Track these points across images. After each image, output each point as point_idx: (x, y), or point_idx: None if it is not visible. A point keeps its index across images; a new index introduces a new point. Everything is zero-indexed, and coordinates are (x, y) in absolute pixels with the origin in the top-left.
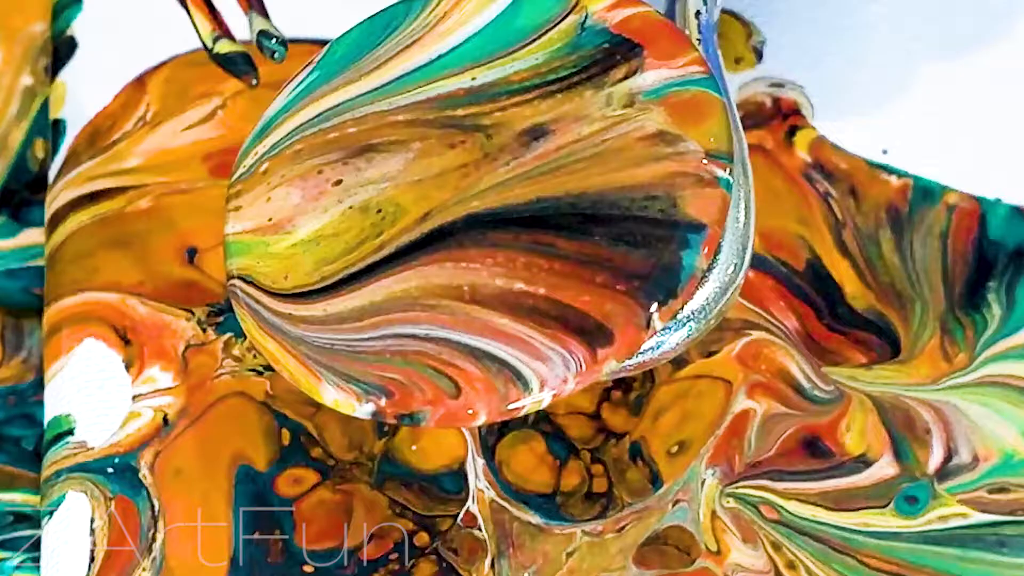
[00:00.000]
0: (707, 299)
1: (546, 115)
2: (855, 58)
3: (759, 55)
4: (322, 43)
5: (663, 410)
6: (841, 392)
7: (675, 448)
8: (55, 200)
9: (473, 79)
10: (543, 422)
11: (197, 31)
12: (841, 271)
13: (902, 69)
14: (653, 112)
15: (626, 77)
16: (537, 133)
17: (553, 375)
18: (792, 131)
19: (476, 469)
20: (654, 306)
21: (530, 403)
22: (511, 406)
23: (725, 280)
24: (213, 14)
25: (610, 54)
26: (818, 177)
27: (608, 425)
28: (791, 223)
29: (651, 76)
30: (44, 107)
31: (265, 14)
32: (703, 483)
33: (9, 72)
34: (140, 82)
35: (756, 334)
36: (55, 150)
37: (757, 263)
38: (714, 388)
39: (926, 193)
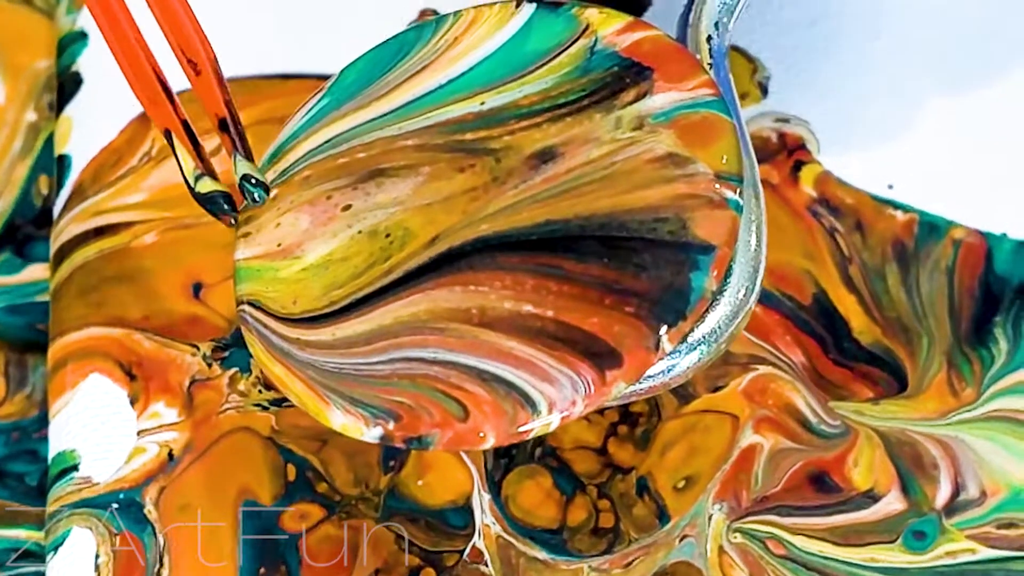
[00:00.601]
0: (718, 322)
1: (555, 138)
2: (860, 93)
3: (764, 90)
4: (322, 78)
5: (670, 445)
6: (848, 427)
7: (682, 483)
8: (60, 235)
9: (482, 103)
10: (549, 457)
11: (180, 168)
12: (847, 306)
13: (907, 104)
14: (663, 134)
15: (636, 100)
16: (546, 156)
17: (562, 397)
18: (798, 166)
19: (482, 504)
20: (663, 328)
21: (539, 426)
22: (520, 429)
23: (736, 303)
24: (197, 152)
25: (619, 77)
26: (824, 212)
27: (615, 460)
28: (797, 258)
29: (661, 99)
30: (48, 143)
31: (250, 157)
32: (710, 518)
33: (13, 108)
34: (145, 118)
35: (763, 369)
36: (60, 185)
37: (763, 298)
38: (721, 423)
39: (932, 228)
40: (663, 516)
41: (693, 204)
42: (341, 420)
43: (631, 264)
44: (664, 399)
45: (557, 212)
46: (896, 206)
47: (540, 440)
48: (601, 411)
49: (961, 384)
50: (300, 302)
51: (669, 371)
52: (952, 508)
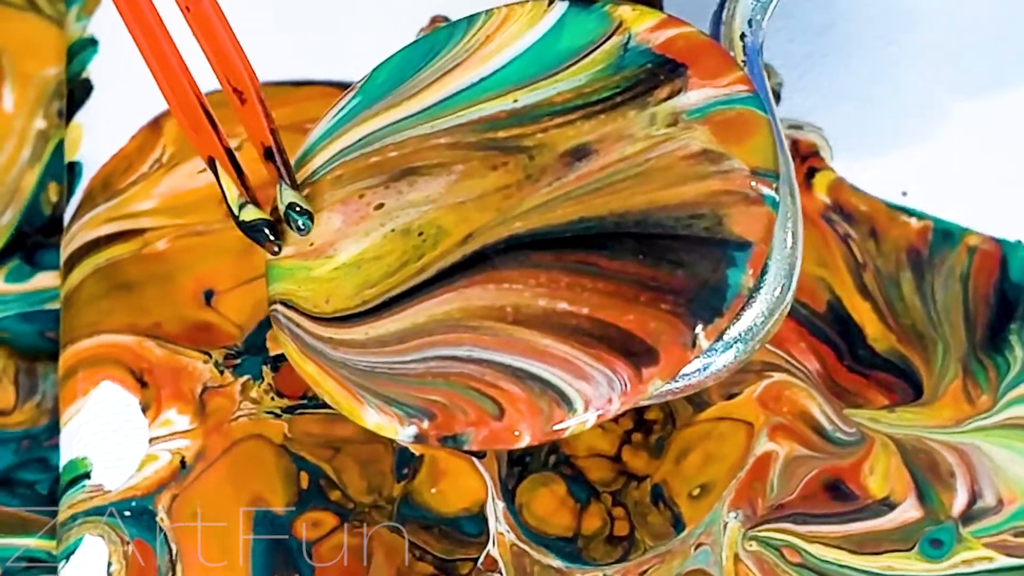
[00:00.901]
0: (754, 321)
1: (589, 135)
2: (873, 100)
3: (777, 97)
4: (334, 84)
5: (685, 452)
6: (863, 434)
7: (697, 491)
8: (71, 242)
9: (515, 101)
10: (564, 465)
11: (224, 196)
12: (862, 313)
13: (920, 111)
14: (697, 131)
15: (670, 96)
16: (580, 153)
17: (598, 395)
18: (811, 173)
19: (496, 512)
20: (700, 325)
21: (575, 423)
22: (555, 427)
23: (772, 301)
24: (241, 180)
25: (653, 74)
26: (838, 219)
27: (629, 468)
28: (811, 265)
29: (695, 95)
30: (57, 150)
31: (296, 186)
32: (725, 526)
33: (22, 116)
34: (156, 124)
35: (777, 376)
36: (71, 192)
37: None
38: (736, 430)
39: (946, 235)
40: (678, 524)
41: (729, 200)
42: (375, 419)
43: (666, 261)
44: (678, 406)
45: (591, 209)
46: (910, 213)
47: (554, 448)
48: (616, 418)
49: (977, 391)
50: (333, 301)
51: (705, 369)
52: (969, 516)
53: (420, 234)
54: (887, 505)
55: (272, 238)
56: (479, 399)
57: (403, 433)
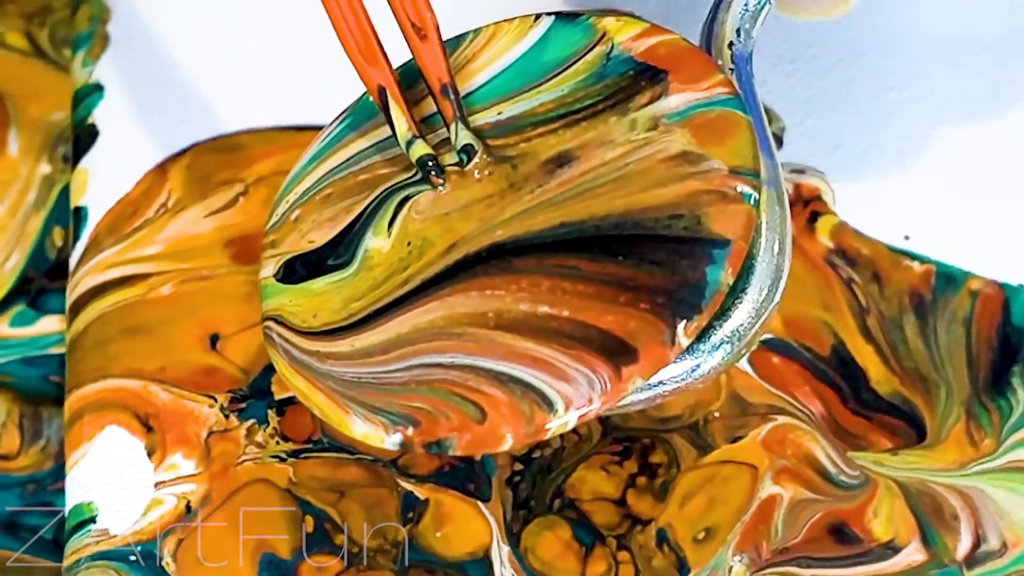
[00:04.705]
0: (741, 323)
1: (571, 143)
2: (875, 144)
3: (779, 141)
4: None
5: (689, 496)
6: (867, 477)
7: (702, 534)
8: (76, 287)
9: (499, 113)
10: (568, 508)
11: (393, 130)
12: (865, 356)
13: (922, 155)
14: (677, 133)
15: (650, 102)
16: (562, 161)
17: (579, 395)
18: (814, 217)
19: (501, 556)
20: (679, 323)
21: (556, 425)
22: (537, 428)
23: (759, 303)
24: (411, 116)
25: (635, 81)
26: (841, 263)
27: (634, 511)
28: (815, 309)
29: (675, 99)
30: (62, 195)
31: (468, 127)
32: (730, 570)
33: (27, 160)
34: (162, 169)
35: (781, 419)
36: (76, 237)
37: (781, 348)
38: (740, 473)
39: (949, 279)
40: (683, 568)
41: (708, 200)
42: (362, 428)
43: (646, 261)
44: (682, 450)
45: (572, 214)
46: (913, 257)
47: (559, 491)
48: (620, 462)
49: (980, 434)
50: (320, 315)
51: (694, 371)
52: (973, 560)
53: (407, 244)
54: (891, 548)
55: (439, 172)
56: (462, 404)
57: (388, 441)
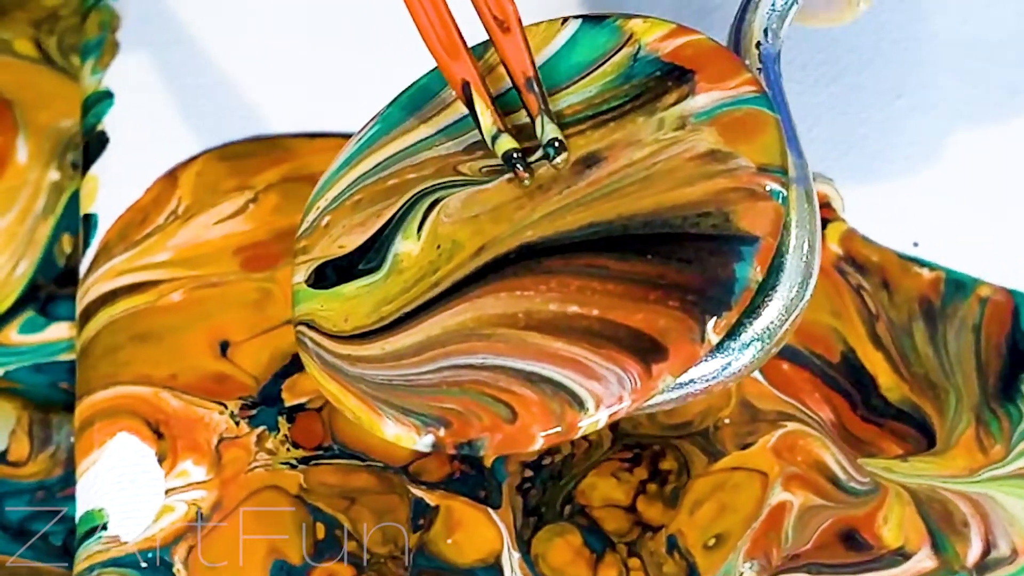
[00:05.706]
0: (772, 320)
1: (598, 144)
2: (884, 151)
3: None
4: (348, 136)
5: (699, 503)
6: (877, 484)
7: (712, 541)
8: (87, 294)
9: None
10: (579, 515)
11: (478, 124)
12: (875, 363)
13: (931, 162)
14: (704, 132)
15: (678, 102)
16: (590, 161)
17: (609, 394)
18: (823, 224)
19: (512, 563)
20: (708, 320)
21: (587, 423)
22: (568, 427)
23: (789, 301)
24: (496, 110)
25: (662, 81)
26: (850, 270)
27: (644, 518)
28: (825, 316)
29: (702, 98)
30: (71, 202)
31: (554, 120)
32: None
33: (36, 167)
34: (172, 176)
35: (791, 426)
36: (86, 244)
37: (791, 356)
38: (750, 480)
39: (958, 286)
40: (693, 574)
41: (735, 197)
42: (394, 430)
43: (675, 259)
44: (693, 457)
45: (600, 214)
46: (922, 264)
47: (569, 498)
48: (631, 469)
49: (990, 441)
50: (351, 319)
51: (724, 369)
52: (983, 566)
53: (437, 247)
54: (902, 555)
55: (525, 166)
56: (493, 404)
57: (420, 442)
